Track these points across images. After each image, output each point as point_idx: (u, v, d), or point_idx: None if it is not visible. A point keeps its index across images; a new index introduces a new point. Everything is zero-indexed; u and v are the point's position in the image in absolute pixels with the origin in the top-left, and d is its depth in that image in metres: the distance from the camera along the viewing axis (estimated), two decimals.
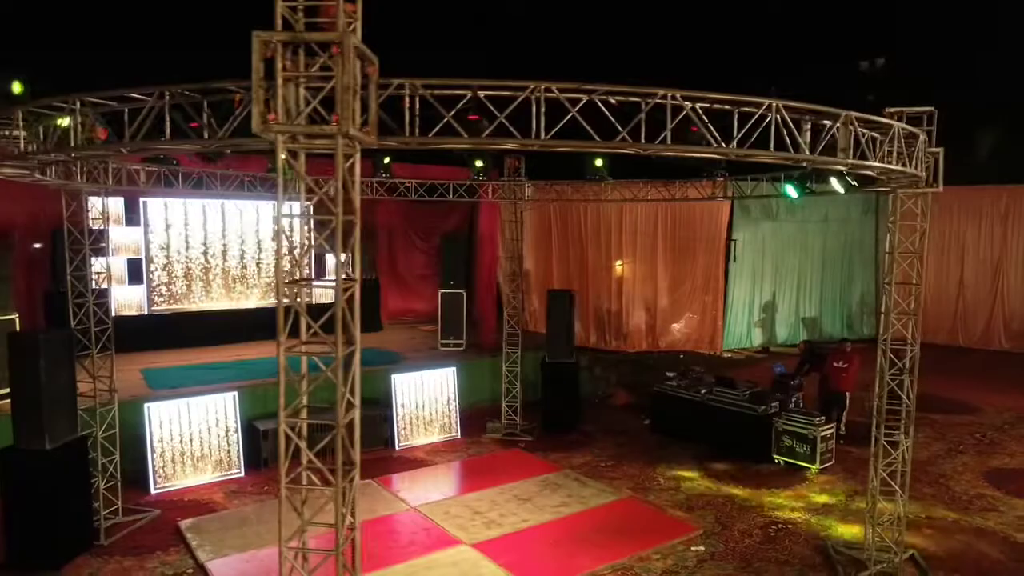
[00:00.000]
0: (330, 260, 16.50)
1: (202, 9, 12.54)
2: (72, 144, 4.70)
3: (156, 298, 14.54)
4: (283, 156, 3.73)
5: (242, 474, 10.44)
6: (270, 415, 11.19)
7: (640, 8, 18.31)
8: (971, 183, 18.17)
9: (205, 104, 4.26)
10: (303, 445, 4.33)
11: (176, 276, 14.76)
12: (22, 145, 5.10)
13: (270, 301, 15.75)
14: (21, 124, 5.06)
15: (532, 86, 4.35)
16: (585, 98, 4.46)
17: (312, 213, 4.39)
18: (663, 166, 10.87)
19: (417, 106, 4.24)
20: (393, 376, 11.90)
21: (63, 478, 7.79)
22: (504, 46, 15.15)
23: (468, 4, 15.72)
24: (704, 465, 11.06)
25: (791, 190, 9.13)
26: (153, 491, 9.79)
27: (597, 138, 4.42)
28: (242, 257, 15.54)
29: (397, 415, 11.79)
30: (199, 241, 15.01)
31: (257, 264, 15.71)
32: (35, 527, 7.61)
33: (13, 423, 7.75)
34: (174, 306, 14.72)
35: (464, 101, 4.28)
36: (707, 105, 4.68)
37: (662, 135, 4.54)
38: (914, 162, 6.15)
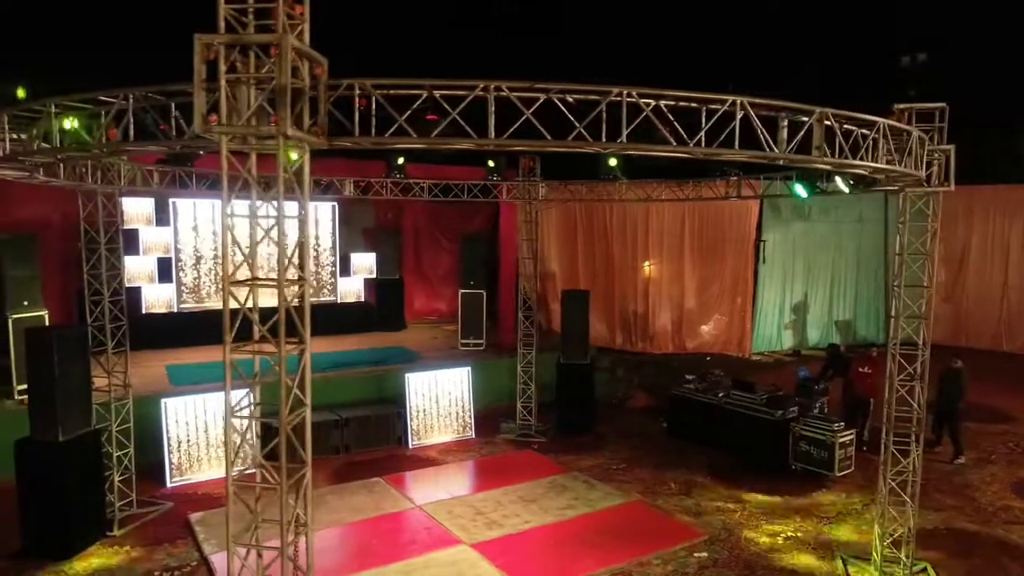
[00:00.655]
0: (354, 260, 16.75)
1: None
2: (58, 145, 4.84)
3: (185, 296, 14.91)
4: (226, 156, 3.79)
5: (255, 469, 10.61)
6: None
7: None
8: (1020, 182, 17.49)
9: (173, 106, 4.35)
10: (250, 444, 4.35)
11: (203, 275, 15.11)
12: (7, 146, 5.28)
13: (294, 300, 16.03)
14: (7, 127, 5.24)
15: (482, 85, 4.33)
16: (543, 97, 4.42)
17: (276, 212, 4.39)
18: (677, 166, 10.72)
19: (374, 106, 4.25)
20: (407, 375, 11.98)
21: (76, 469, 8.04)
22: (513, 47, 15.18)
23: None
24: (718, 470, 10.85)
25: (800, 189, 8.89)
26: (169, 484, 10.04)
27: (549, 137, 4.37)
28: (267, 256, 15.81)
29: (411, 414, 11.86)
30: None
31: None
32: (48, 516, 7.88)
33: (29, 415, 8.04)
34: (202, 304, 15.07)
35: (420, 101, 4.29)
36: (672, 103, 4.59)
37: (625, 133, 4.47)
38: (906, 160, 5.91)
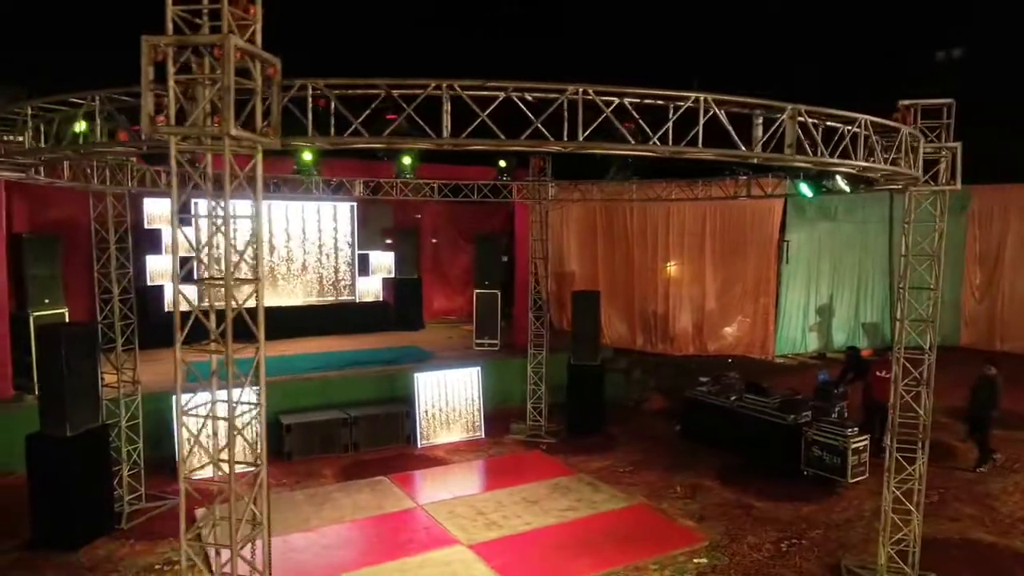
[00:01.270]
0: (373, 259, 16.87)
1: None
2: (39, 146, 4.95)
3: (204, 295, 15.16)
4: (175, 157, 3.83)
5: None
6: (297, 410, 11.56)
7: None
8: None
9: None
10: (202, 443, 4.39)
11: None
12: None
13: (315, 299, 16.25)
14: None
15: (434, 84, 4.30)
16: (501, 95, 4.37)
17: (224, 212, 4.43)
18: (688, 166, 10.56)
19: (332, 106, 4.26)
20: (416, 375, 12.03)
21: (83, 464, 8.24)
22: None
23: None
24: (728, 474, 10.67)
25: (805, 188, 8.69)
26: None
27: (502, 136, 4.33)
28: (288, 255, 16.03)
29: (419, 413, 11.91)
30: (245, 240, 15.56)
31: (302, 262, 16.17)
32: (56, 509, 8.09)
33: (39, 410, 8.27)
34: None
35: (379, 100, 4.28)
36: (637, 100, 4.50)
37: (580, 132, 4.40)
38: (904, 159, 5.71)
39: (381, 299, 17.05)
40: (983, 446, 10.96)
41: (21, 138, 5.25)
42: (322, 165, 10.78)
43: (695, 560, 8.10)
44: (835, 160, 5.04)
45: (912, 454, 7.46)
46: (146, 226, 14.51)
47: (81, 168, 7.81)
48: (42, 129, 4.85)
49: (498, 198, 12.14)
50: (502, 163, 11.82)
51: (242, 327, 5.04)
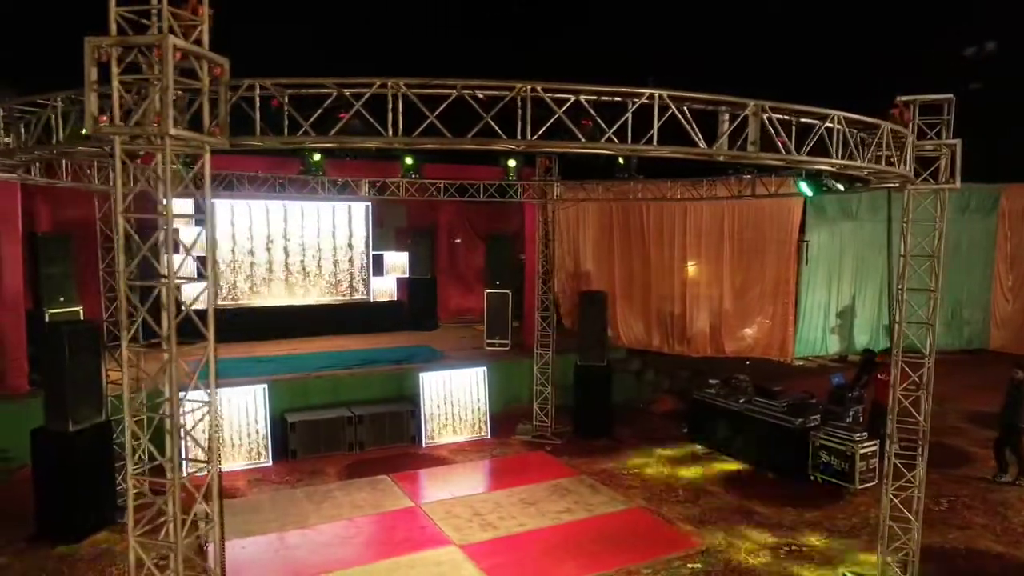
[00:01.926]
0: (387, 259, 16.96)
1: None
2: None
3: (222, 293, 15.40)
4: (119, 156, 3.87)
5: (270, 463, 10.90)
6: (303, 408, 11.67)
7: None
8: None
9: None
10: (145, 441, 4.42)
11: (241, 273, 15.59)
12: None
13: (329, 298, 16.39)
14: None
15: (380, 82, 4.28)
16: (454, 93, 4.33)
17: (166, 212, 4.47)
18: (691, 165, 10.40)
19: (285, 105, 4.28)
20: (421, 374, 12.06)
21: (85, 458, 8.42)
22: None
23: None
24: (732, 478, 10.52)
25: (805, 187, 8.49)
26: (184, 475, 10.37)
27: (448, 135, 4.29)
28: (303, 255, 16.18)
29: (425, 413, 11.93)
30: (263, 240, 15.77)
31: (315, 262, 16.32)
32: (59, 502, 8.28)
33: (44, 406, 8.47)
34: (239, 302, 15.55)
35: (331, 99, 4.28)
36: (594, 98, 4.42)
37: (542, 130, 4.34)
38: (884, 155, 5.52)
39: (395, 299, 17.12)
40: (1002, 455, 10.50)
41: (8, 139, 5.36)
42: (327, 165, 10.85)
43: (689, 565, 7.98)
44: (805, 158, 4.89)
45: (913, 460, 7.24)
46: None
47: (82, 169, 7.97)
48: (22, 130, 4.95)
49: (504, 198, 12.10)
50: (511, 162, 11.78)
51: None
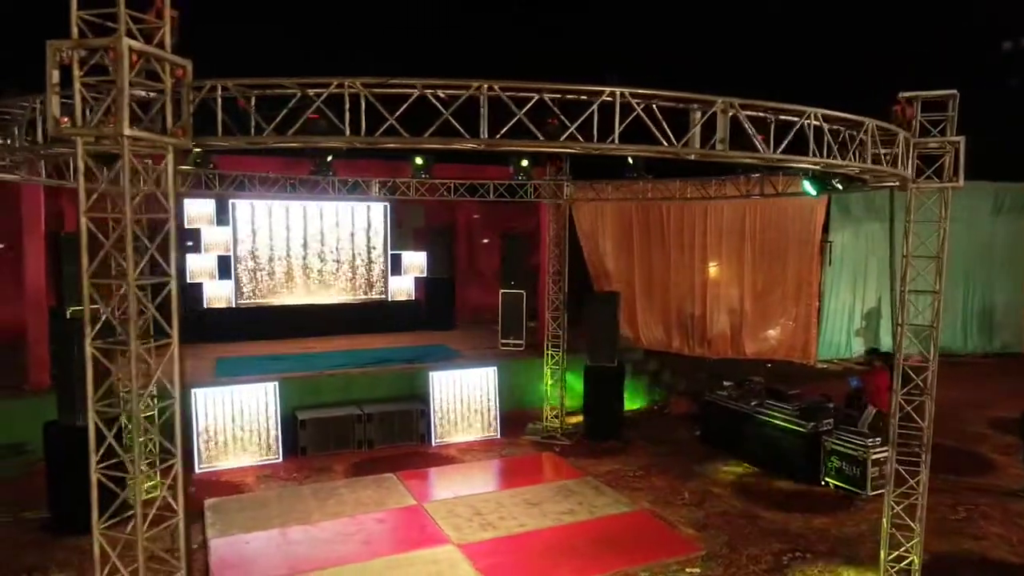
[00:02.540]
0: (405, 259, 17.08)
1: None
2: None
3: (244, 292, 15.67)
4: (82, 157, 3.95)
5: (280, 460, 11.05)
6: (314, 406, 11.81)
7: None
8: None
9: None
10: (108, 434, 4.50)
11: (261, 272, 15.84)
12: None
13: (347, 298, 16.56)
14: None
15: (337, 82, 4.29)
16: (417, 92, 4.33)
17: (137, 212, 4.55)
18: (697, 164, 10.26)
19: (253, 106, 4.32)
20: (431, 374, 12.11)
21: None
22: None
23: None
24: (741, 482, 10.34)
25: (809, 186, 8.31)
26: (197, 470, 10.59)
27: (405, 134, 4.28)
28: (322, 255, 16.38)
29: (434, 412, 11.98)
30: (283, 239, 15.99)
31: (335, 261, 16.50)
32: (69, 493, 8.50)
33: (56, 400, 8.71)
34: (258, 300, 15.81)
35: (295, 100, 4.31)
36: (558, 96, 4.37)
37: (505, 128, 4.31)
38: (883, 154, 5.37)
39: (413, 298, 17.22)
40: None
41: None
42: (335, 166, 10.95)
43: (688, 569, 7.87)
44: (782, 156, 4.76)
45: (914, 467, 7.04)
46: (186, 226, 15.11)
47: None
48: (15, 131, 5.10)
49: (514, 198, 12.08)
50: (523, 162, 11.76)
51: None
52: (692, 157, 4.71)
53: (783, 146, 4.67)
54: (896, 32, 18.96)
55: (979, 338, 18.16)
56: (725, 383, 12.31)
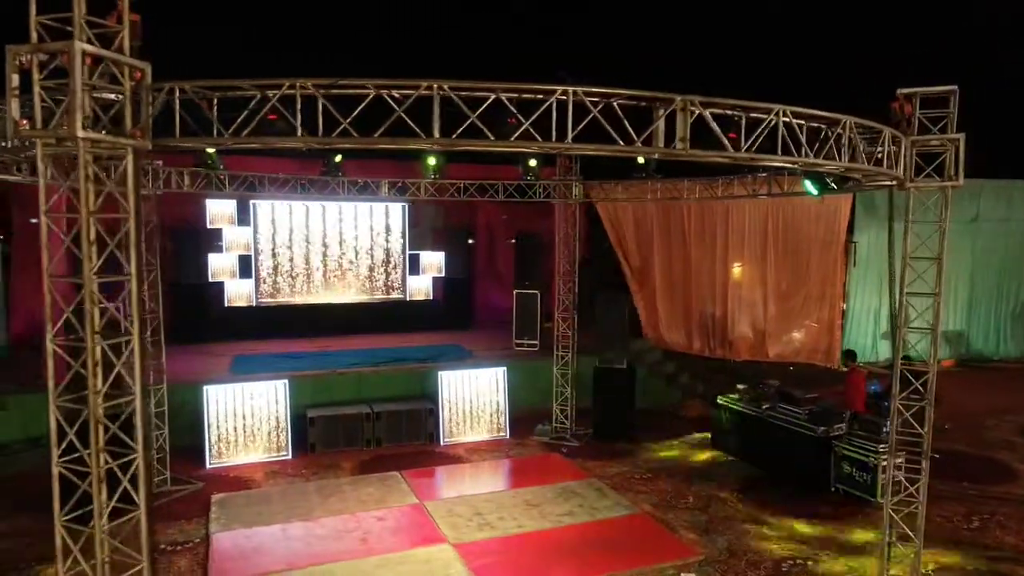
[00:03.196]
0: (423, 259, 17.17)
1: None
2: None
3: (264, 291, 15.91)
4: (41, 159, 4.04)
5: (289, 457, 11.20)
6: (325, 404, 11.95)
7: None
8: None
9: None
10: (69, 430, 4.58)
11: (281, 271, 16.07)
12: None
13: (364, 297, 16.71)
14: None
15: (289, 83, 4.32)
16: (372, 92, 4.33)
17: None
18: (709, 165, 10.12)
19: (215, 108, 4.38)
20: (440, 373, 12.15)
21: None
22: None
23: None
24: (749, 486, 10.16)
25: (810, 186, 8.11)
26: (208, 466, 10.79)
27: (355, 134, 4.28)
28: (340, 254, 16.55)
29: (443, 411, 12.02)
30: (302, 239, 16.20)
31: (352, 261, 16.65)
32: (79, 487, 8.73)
33: None
34: (278, 299, 16.04)
35: (255, 101, 4.36)
36: (515, 95, 4.33)
37: (460, 129, 4.29)
38: (876, 152, 5.21)
39: (431, 298, 17.30)
40: None
41: None
42: (345, 166, 11.06)
43: (683, 574, 7.76)
44: (752, 155, 4.64)
45: (915, 475, 6.84)
46: (208, 226, 15.41)
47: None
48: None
49: (523, 198, 12.06)
50: (532, 162, 11.73)
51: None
52: (655, 156, 4.63)
53: (752, 144, 4.55)
54: (896, 32, 18.42)
55: (1013, 343, 17.54)
56: (739, 386, 12.09)
